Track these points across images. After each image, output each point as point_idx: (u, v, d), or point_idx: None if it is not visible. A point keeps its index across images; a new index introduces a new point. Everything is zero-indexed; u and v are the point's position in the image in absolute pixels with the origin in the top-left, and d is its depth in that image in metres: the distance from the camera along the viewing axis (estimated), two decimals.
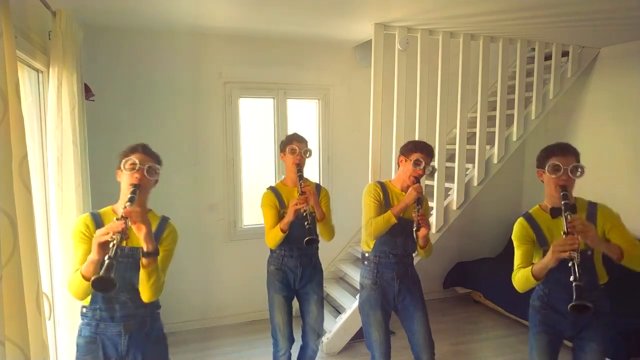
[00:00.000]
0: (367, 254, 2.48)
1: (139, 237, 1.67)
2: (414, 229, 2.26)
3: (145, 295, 1.76)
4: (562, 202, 1.82)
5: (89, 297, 1.79)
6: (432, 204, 3.51)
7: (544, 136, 4.72)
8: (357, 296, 3.65)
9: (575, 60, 3.98)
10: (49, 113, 2.24)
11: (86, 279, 1.60)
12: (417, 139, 3.39)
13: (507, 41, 3.67)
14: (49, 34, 2.31)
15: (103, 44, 3.52)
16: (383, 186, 2.45)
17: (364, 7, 2.93)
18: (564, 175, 1.87)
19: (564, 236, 1.75)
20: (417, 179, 2.33)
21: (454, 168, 3.63)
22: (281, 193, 2.58)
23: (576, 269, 1.67)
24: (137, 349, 1.84)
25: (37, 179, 2.29)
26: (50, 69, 2.24)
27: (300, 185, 2.44)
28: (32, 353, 1.35)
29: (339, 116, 4.31)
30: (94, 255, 1.59)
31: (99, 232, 1.58)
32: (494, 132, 3.75)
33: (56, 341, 2.37)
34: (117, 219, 1.59)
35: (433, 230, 3.53)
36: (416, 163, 2.31)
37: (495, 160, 3.75)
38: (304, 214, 2.37)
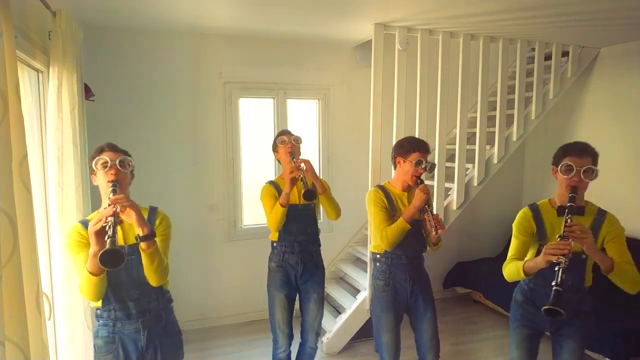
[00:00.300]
0: (378, 256, 2.45)
1: (132, 223, 1.72)
2: (432, 232, 2.22)
3: (152, 279, 1.80)
4: (568, 204, 1.82)
5: (101, 300, 1.80)
6: (432, 204, 3.51)
7: (544, 136, 4.73)
8: (357, 296, 3.67)
9: (575, 60, 3.98)
10: (49, 113, 2.24)
11: (94, 274, 1.65)
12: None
13: (507, 41, 3.67)
14: (49, 34, 2.31)
15: (103, 44, 3.52)
16: (384, 190, 2.42)
17: (364, 7, 2.93)
18: (576, 176, 1.85)
19: (558, 239, 1.75)
20: (419, 178, 2.33)
21: (454, 168, 3.63)
22: (280, 186, 2.59)
23: (560, 274, 1.68)
24: (157, 343, 1.89)
25: (37, 179, 2.29)
26: (50, 69, 2.24)
27: (293, 160, 2.48)
28: (32, 353, 1.35)
29: (339, 116, 4.31)
30: (93, 248, 1.61)
31: (91, 223, 1.61)
32: (494, 132, 3.75)
33: (56, 341, 2.37)
34: (105, 208, 1.64)
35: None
36: (418, 163, 2.29)
37: (495, 160, 3.75)
38: (301, 179, 2.39)
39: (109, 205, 1.64)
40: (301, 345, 2.76)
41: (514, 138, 3.83)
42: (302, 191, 2.41)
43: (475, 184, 3.68)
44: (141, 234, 1.72)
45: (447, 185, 3.66)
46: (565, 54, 3.99)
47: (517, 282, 2.14)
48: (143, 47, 3.65)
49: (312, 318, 2.67)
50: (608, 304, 3.25)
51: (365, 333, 3.64)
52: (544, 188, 4.59)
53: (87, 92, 2.93)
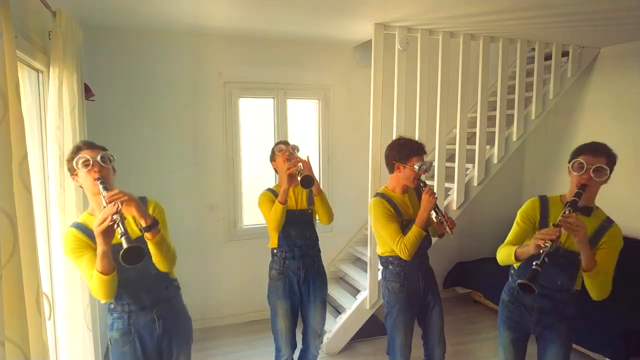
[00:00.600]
0: (390, 258, 2.42)
1: (133, 215, 1.71)
2: (448, 232, 2.26)
3: (163, 266, 1.82)
4: (572, 198, 1.83)
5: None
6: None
7: (544, 136, 4.73)
8: (357, 296, 3.67)
9: (575, 60, 3.98)
10: (50, 113, 2.24)
11: (105, 273, 1.65)
12: (416, 139, 3.39)
13: (507, 41, 3.67)
14: (49, 34, 2.31)
15: (103, 44, 3.52)
16: (386, 198, 2.38)
17: (364, 7, 2.93)
18: (586, 174, 1.85)
19: (552, 227, 1.78)
20: (421, 180, 2.32)
21: (454, 168, 3.63)
22: (278, 193, 2.56)
23: (544, 257, 1.71)
24: (172, 330, 1.92)
25: (37, 179, 2.29)
26: (51, 69, 2.24)
27: (289, 160, 2.50)
28: (32, 353, 1.35)
29: (339, 116, 4.31)
30: (101, 248, 1.61)
31: (96, 223, 1.59)
32: (494, 132, 3.75)
33: (56, 341, 2.37)
34: (105, 207, 1.61)
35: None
36: (421, 168, 2.28)
37: (495, 160, 3.75)
38: (298, 174, 2.38)
39: (108, 203, 1.62)
40: (303, 351, 2.74)
41: (514, 138, 3.83)
42: (302, 194, 2.40)
43: (475, 184, 3.68)
44: (144, 225, 1.72)
45: (447, 185, 3.66)
46: (565, 54, 3.99)
47: (498, 257, 2.12)
48: (143, 47, 3.65)
49: (315, 324, 2.65)
50: (607, 304, 3.25)
51: (365, 333, 3.64)
52: (544, 188, 4.59)
53: (87, 92, 2.93)
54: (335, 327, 3.55)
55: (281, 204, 2.44)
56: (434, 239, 2.54)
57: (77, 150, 1.78)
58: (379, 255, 2.52)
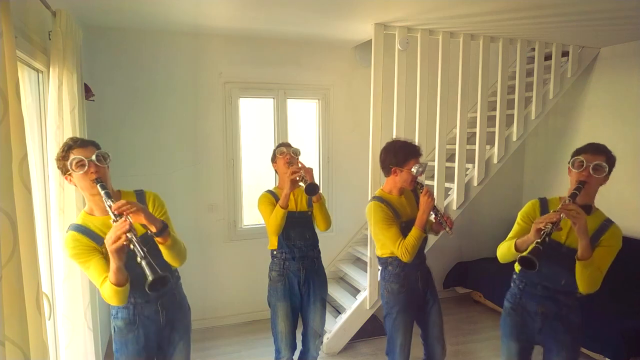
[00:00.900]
0: (390, 259, 2.42)
1: (142, 223, 1.68)
2: (446, 230, 2.28)
3: (175, 263, 1.84)
4: (572, 191, 1.87)
5: None
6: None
7: (544, 136, 4.73)
8: (357, 296, 3.67)
9: (575, 60, 3.98)
10: (50, 113, 2.24)
11: (120, 285, 1.63)
12: (417, 138, 3.41)
13: (507, 41, 3.67)
14: (49, 34, 2.31)
15: (103, 44, 3.52)
16: (384, 201, 2.36)
17: (364, 7, 2.93)
18: (585, 171, 1.89)
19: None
20: (419, 182, 2.33)
21: (454, 168, 3.63)
22: (278, 195, 2.57)
23: (544, 237, 1.74)
24: (174, 320, 1.96)
25: (37, 179, 2.29)
26: (51, 69, 2.24)
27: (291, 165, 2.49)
28: (32, 353, 1.35)
29: (339, 116, 4.31)
30: (115, 263, 1.58)
31: (108, 240, 1.54)
32: (494, 132, 3.75)
33: (56, 341, 2.37)
34: (114, 221, 1.56)
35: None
36: (418, 170, 2.28)
37: (495, 160, 3.75)
38: (301, 180, 2.39)
39: (116, 215, 1.56)
40: (302, 353, 2.73)
41: (514, 138, 3.83)
42: (302, 196, 2.40)
43: (475, 184, 3.68)
44: (154, 231, 1.69)
45: (447, 185, 3.66)
46: (565, 54, 3.99)
47: (499, 253, 2.11)
48: (143, 47, 3.65)
49: (315, 325, 2.65)
50: (607, 304, 3.25)
51: (365, 333, 3.64)
52: (544, 188, 4.59)
53: (87, 92, 2.93)
54: (335, 327, 3.55)
55: (282, 208, 2.43)
56: (433, 238, 2.54)
57: (67, 149, 1.72)
58: (377, 257, 2.52)
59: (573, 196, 1.85)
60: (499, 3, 2.78)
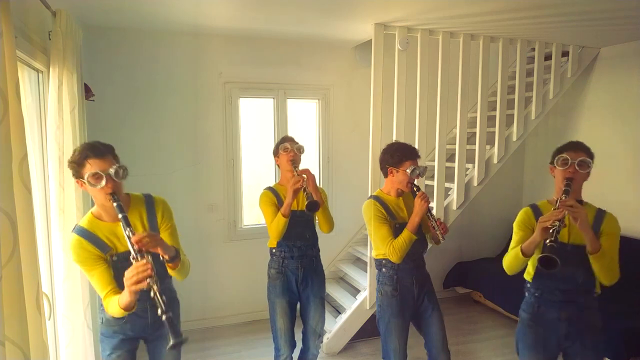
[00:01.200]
0: (384, 261, 2.42)
1: (158, 252, 1.69)
2: (440, 239, 2.27)
3: (178, 278, 1.87)
4: (564, 188, 1.89)
5: None
6: (432, 204, 3.51)
7: (544, 136, 4.73)
8: (357, 296, 3.67)
9: (575, 60, 3.98)
10: (50, 113, 2.24)
11: (127, 310, 1.65)
12: (417, 138, 3.41)
13: (507, 41, 3.67)
14: (49, 34, 2.31)
15: (103, 44, 3.52)
16: (380, 200, 2.38)
17: (364, 7, 2.93)
18: (571, 167, 1.93)
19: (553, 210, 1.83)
20: (415, 185, 2.32)
21: (454, 168, 3.63)
22: (279, 193, 2.57)
23: (554, 234, 1.75)
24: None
25: (37, 179, 2.29)
26: (51, 69, 2.24)
27: (295, 170, 2.46)
28: (32, 353, 1.35)
29: (339, 116, 4.31)
30: (130, 297, 1.60)
31: (128, 280, 1.53)
32: (494, 132, 3.75)
33: (56, 341, 2.37)
34: (135, 258, 1.55)
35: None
36: (413, 172, 2.28)
37: (495, 160, 3.75)
38: (304, 191, 2.38)
39: (137, 252, 1.56)
40: (303, 351, 2.74)
41: (514, 138, 3.83)
42: (305, 202, 2.38)
43: (475, 184, 3.68)
44: (167, 258, 1.72)
45: (447, 185, 3.66)
46: (565, 54, 3.99)
47: (505, 265, 2.09)
48: (143, 47, 3.65)
49: (314, 323, 2.65)
50: (607, 304, 3.25)
51: (365, 333, 3.64)
52: (544, 188, 4.59)
53: (87, 92, 2.93)
54: (335, 327, 3.55)
55: (284, 217, 2.43)
56: (430, 245, 2.52)
57: (84, 157, 1.68)
58: (374, 258, 2.51)
59: (566, 193, 1.87)
60: (499, 3, 2.78)
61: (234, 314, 4.12)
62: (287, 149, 2.54)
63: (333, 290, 4.16)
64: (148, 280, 1.51)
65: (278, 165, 2.67)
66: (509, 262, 2.02)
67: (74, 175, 1.72)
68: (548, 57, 3.91)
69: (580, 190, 1.98)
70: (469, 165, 3.72)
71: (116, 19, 3.31)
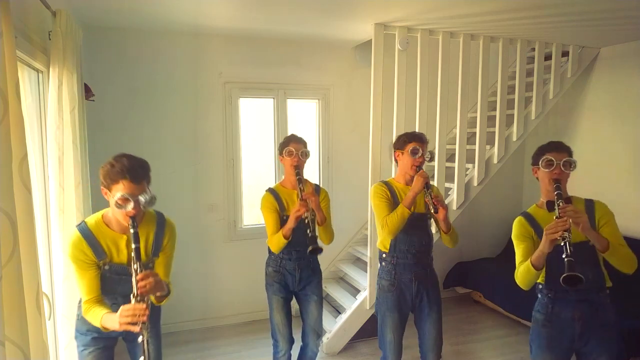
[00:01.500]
0: (384, 255, 2.45)
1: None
2: (432, 211, 2.24)
3: (161, 304, 1.86)
4: (555, 193, 1.88)
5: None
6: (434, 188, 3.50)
7: (544, 136, 4.72)
8: (357, 296, 3.67)
9: (575, 60, 3.98)
10: (50, 113, 2.24)
11: (105, 331, 1.69)
12: None
13: (507, 41, 3.67)
14: (49, 34, 2.31)
15: (103, 43, 3.52)
16: (388, 184, 2.44)
17: (364, 7, 2.93)
18: (557, 169, 1.93)
19: (555, 220, 1.80)
20: (419, 168, 2.32)
21: (454, 168, 3.63)
22: (280, 195, 2.55)
23: (568, 247, 1.72)
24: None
25: (37, 179, 2.29)
26: (51, 69, 2.24)
27: (300, 189, 2.41)
28: (32, 353, 1.35)
29: (339, 116, 4.31)
30: (115, 327, 1.62)
31: (123, 318, 1.57)
32: (494, 132, 3.75)
33: (56, 341, 2.37)
34: (135, 300, 1.59)
35: (433, 229, 3.53)
36: (413, 152, 2.31)
37: (495, 160, 3.75)
38: (306, 221, 2.34)
39: (138, 296, 1.59)
40: (302, 349, 2.75)
41: (514, 138, 3.83)
42: (306, 240, 2.37)
43: (475, 184, 3.68)
44: (159, 295, 1.73)
45: (447, 185, 3.66)
46: (565, 54, 3.99)
47: (519, 280, 2.09)
48: (143, 47, 3.65)
49: (312, 321, 2.66)
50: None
51: (365, 333, 3.64)
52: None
53: (87, 92, 2.93)
54: (335, 327, 3.55)
55: (285, 239, 2.42)
56: (437, 237, 2.51)
57: (121, 177, 1.64)
58: (378, 250, 2.53)
59: (560, 196, 1.86)
60: (499, 3, 2.78)
61: (234, 314, 4.12)
62: (291, 153, 2.48)
63: (333, 290, 4.16)
64: (141, 325, 1.55)
65: (282, 163, 2.63)
66: (522, 278, 1.96)
67: (102, 183, 1.70)
68: (548, 57, 3.91)
69: (565, 188, 1.99)
70: (469, 165, 3.72)
71: (116, 19, 3.31)
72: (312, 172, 4.23)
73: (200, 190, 3.93)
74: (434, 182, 3.54)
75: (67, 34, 2.32)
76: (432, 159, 2.35)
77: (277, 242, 2.46)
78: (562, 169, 1.92)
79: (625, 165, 3.92)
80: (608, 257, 1.86)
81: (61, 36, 2.25)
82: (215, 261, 4.03)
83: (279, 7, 2.99)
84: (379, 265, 2.52)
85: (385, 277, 2.45)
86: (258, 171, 4.23)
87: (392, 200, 2.38)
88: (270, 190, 2.59)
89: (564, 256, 1.71)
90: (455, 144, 3.65)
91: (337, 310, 4.02)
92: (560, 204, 1.82)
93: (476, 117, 3.71)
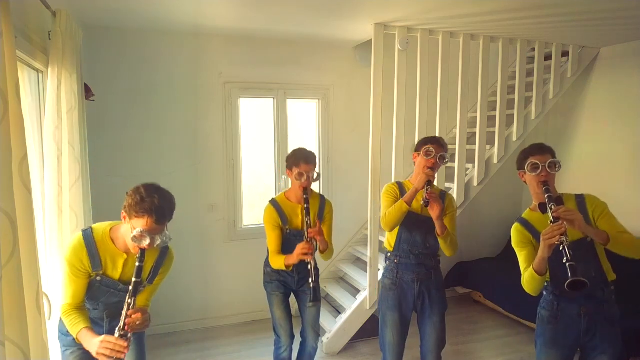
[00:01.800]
0: (389, 254, 2.49)
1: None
2: (422, 204, 2.22)
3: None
4: (546, 196, 1.89)
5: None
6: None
7: (544, 136, 4.72)
8: (357, 296, 3.67)
9: (575, 60, 3.98)
10: (47, 113, 2.24)
11: (77, 340, 1.70)
12: (416, 139, 3.41)
13: (507, 41, 3.67)
14: (49, 34, 2.31)
15: (103, 43, 3.52)
16: (400, 185, 2.47)
17: (364, 7, 2.93)
18: (543, 171, 1.94)
19: (550, 225, 1.80)
20: (431, 169, 2.31)
21: (454, 168, 3.63)
22: (283, 209, 2.53)
23: (567, 251, 1.72)
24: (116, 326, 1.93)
25: (38, 179, 2.29)
26: (50, 69, 2.24)
27: (307, 223, 2.35)
28: (32, 353, 1.35)
29: (339, 116, 4.31)
30: (88, 347, 1.65)
31: (100, 349, 1.59)
32: (494, 132, 3.75)
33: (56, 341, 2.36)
34: (119, 333, 1.61)
35: None
36: (427, 153, 2.32)
37: (495, 160, 3.75)
38: (309, 267, 2.32)
39: (123, 331, 1.61)
40: (302, 345, 2.78)
41: (514, 138, 3.83)
42: (302, 215, 2.38)
43: (475, 184, 3.68)
44: (137, 330, 1.71)
45: (447, 185, 3.66)
46: (565, 54, 3.99)
47: (526, 287, 2.06)
48: (143, 47, 3.65)
49: (311, 317, 2.68)
50: None
51: (365, 333, 3.64)
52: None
53: (87, 92, 2.93)
54: (335, 327, 3.55)
55: (286, 267, 2.44)
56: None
57: (147, 213, 1.62)
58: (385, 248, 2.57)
59: (550, 199, 1.86)
60: (499, 3, 2.78)
61: (234, 314, 4.12)
62: (301, 175, 2.38)
63: (333, 290, 4.16)
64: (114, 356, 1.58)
65: (288, 177, 2.55)
66: (528, 285, 1.97)
67: (125, 210, 1.67)
68: (548, 57, 3.91)
69: (554, 188, 2.00)
70: (469, 165, 3.73)
71: (116, 19, 3.31)
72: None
73: (200, 190, 3.93)
74: (435, 182, 3.54)
75: (67, 34, 2.31)
76: (442, 160, 2.32)
77: (278, 265, 2.48)
78: (548, 170, 1.94)
79: (625, 165, 3.92)
80: (612, 248, 1.85)
81: (61, 36, 2.25)
82: (215, 261, 4.03)
83: (279, 7, 2.99)
84: (384, 263, 2.55)
85: (388, 275, 2.48)
86: (258, 171, 4.23)
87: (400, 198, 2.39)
88: (273, 203, 2.55)
89: (564, 261, 1.71)
90: (455, 144, 3.65)
91: (337, 310, 4.02)
92: (552, 207, 1.82)
93: (476, 117, 3.71)
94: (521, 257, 2.03)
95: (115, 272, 1.81)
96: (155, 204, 1.63)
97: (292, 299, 2.73)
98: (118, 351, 1.58)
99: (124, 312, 1.64)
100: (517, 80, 3.79)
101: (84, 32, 2.88)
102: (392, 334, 2.44)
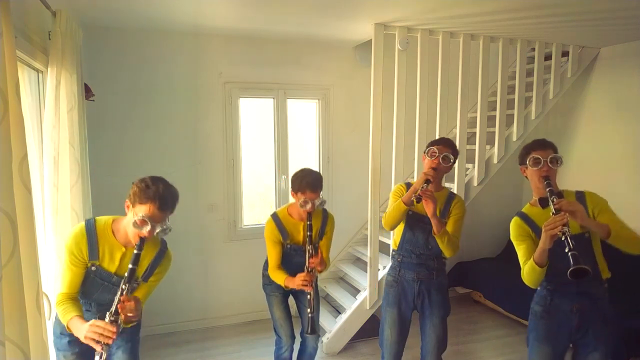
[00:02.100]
0: (393, 252, 2.54)
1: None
2: (415, 200, 2.18)
3: (126, 326, 1.82)
4: (547, 190, 1.90)
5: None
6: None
7: (543, 136, 4.69)
8: (357, 296, 3.67)
9: (575, 60, 3.98)
10: (46, 113, 2.24)
11: (67, 329, 1.70)
12: (416, 138, 3.42)
13: (507, 41, 3.67)
14: (49, 34, 2.31)
15: (103, 43, 3.52)
16: (409, 186, 2.47)
17: (363, 7, 2.93)
18: (545, 166, 1.96)
19: (553, 216, 1.81)
20: (433, 169, 2.30)
21: (454, 168, 3.62)
22: (285, 225, 2.53)
23: (569, 241, 1.72)
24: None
25: (38, 179, 2.29)
26: (49, 69, 2.24)
27: (308, 252, 2.39)
28: (32, 353, 1.35)
29: (339, 116, 4.31)
30: (78, 334, 1.64)
31: (91, 332, 1.58)
32: (494, 132, 3.75)
33: None
34: (110, 318, 1.61)
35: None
36: (431, 154, 2.33)
37: (495, 160, 3.75)
38: (308, 297, 2.40)
39: (114, 316, 1.61)
40: (302, 345, 2.78)
41: (514, 138, 3.83)
42: (303, 232, 2.44)
43: (475, 184, 3.68)
44: (131, 319, 1.70)
45: (447, 185, 3.65)
46: (565, 54, 3.99)
47: (525, 280, 2.07)
48: (143, 47, 3.65)
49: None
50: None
51: (365, 333, 3.64)
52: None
53: (87, 92, 2.93)
54: (335, 327, 3.55)
55: (285, 287, 2.50)
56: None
57: (151, 202, 1.66)
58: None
59: (552, 192, 1.87)
60: (499, 3, 2.78)
61: (234, 314, 4.12)
62: (307, 203, 2.35)
63: (333, 290, 4.16)
64: (104, 347, 1.58)
65: (293, 197, 2.50)
66: (528, 277, 1.96)
67: (130, 198, 1.71)
68: (548, 57, 3.91)
69: (556, 184, 2.00)
70: (469, 165, 3.73)
71: (116, 19, 3.31)
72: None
73: (200, 190, 3.93)
74: (443, 183, 3.54)
75: (67, 34, 2.31)
76: (445, 160, 2.30)
77: (277, 280, 2.51)
78: (550, 165, 1.95)
79: (625, 165, 3.92)
80: (613, 242, 1.85)
81: (61, 36, 2.25)
82: (215, 261, 4.03)
83: (279, 7, 2.99)
84: (387, 262, 2.59)
85: (390, 273, 2.53)
86: (258, 171, 4.23)
87: None
88: (275, 218, 2.55)
89: (567, 250, 1.71)
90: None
91: (337, 310, 4.02)
92: (554, 199, 1.84)
93: (476, 117, 3.71)
94: (520, 250, 2.03)
95: (112, 265, 1.82)
96: (160, 191, 1.68)
97: (292, 299, 2.74)
98: (107, 336, 1.57)
99: (116, 298, 1.63)
100: (517, 80, 3.79)
101: (84, 32, 2.88)
102: (390, 330, 2.47)
